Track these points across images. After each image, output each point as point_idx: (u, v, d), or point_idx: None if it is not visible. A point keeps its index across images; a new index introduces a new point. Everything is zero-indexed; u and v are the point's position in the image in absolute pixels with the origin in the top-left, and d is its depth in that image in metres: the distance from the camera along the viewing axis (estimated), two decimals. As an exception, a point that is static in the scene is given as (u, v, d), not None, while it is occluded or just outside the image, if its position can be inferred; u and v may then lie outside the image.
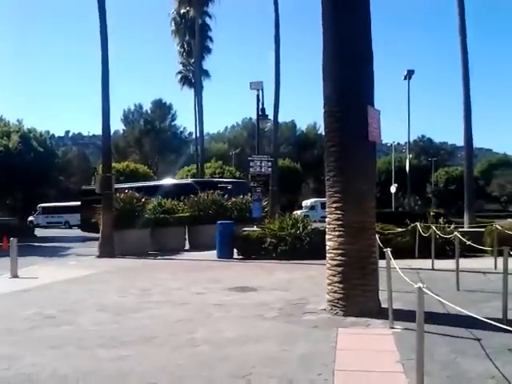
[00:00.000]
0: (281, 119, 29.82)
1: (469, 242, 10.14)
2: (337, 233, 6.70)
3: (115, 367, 4.74)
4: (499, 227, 12.34)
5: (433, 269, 10.91)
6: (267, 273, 11.05)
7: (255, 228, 15.10)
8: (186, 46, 42.11)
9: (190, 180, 30.80)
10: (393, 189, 42.42)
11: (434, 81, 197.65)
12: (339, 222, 6.67)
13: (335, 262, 6.71)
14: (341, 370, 4.51)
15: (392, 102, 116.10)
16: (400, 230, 13.85)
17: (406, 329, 5.84)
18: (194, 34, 37.64)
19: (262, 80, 18.12)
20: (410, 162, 34.33)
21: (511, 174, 56.90)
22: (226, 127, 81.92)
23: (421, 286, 3.74)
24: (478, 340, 5.31)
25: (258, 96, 17.29)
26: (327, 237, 6.93)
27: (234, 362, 4.82)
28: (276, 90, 20.85)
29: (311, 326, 6.15)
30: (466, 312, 4.06)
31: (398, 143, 68.38)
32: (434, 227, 11.43)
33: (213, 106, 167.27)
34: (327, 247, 6.91)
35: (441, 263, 10.91)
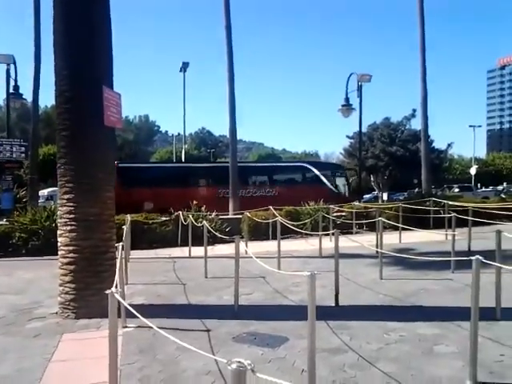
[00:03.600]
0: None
1: (212, 231, 10.44)
2: (69, 227, 5.94)
3: None
4: (249, 215, 13.18)
5: (190, 257, 11.01)
6: (5, 273, 9.54)
7: (3, 221, 13.17)
8: None
9: None
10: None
11: (215, 75, 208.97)
12: (71, 216, 5.93)
13: (67, 260, 5.95)
14: (44, 389, 3.84)
15: (177, 93, 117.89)
16: (164, 219, 13.74)
17: (139, 327, 5.45)
18: None
19: (13, 53, 15.83)
20: (189, 153, 35.06)
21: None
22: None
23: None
24: (208, 331, 5.24)
25: (7, 71, 15.01)
26: (59, 232, 6.12)
27: None
28: (36, 65, 18.51)
29: (32, 336, 5.29)
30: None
31: (179, 133, 69.64)
32: (191, 216, 11.51)
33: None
34: (59, 244, 6.10)
35: (199, 250, 11.07)
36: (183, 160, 33.93)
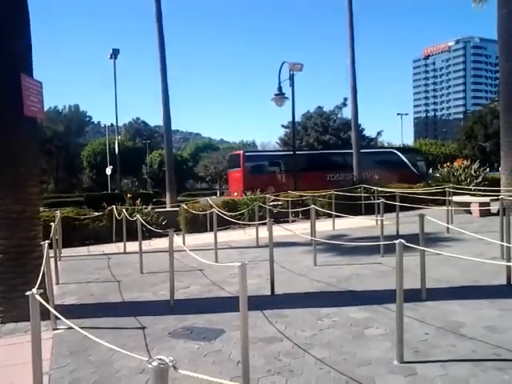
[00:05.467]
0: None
1: (147, 225, 10.25)
2: (-11, 226, 5.60)
3: None
4: (185, 207, 13.05)
5: (125, 252, 10.74)
6: None
7: None
8: None
9: None
10: (108, 171, 41.67)
11: (149, 64, 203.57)
12: (-9, 214, 5.58)
13: (-11, 262, 5.61)
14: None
15: (109, 82, 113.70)
16: (97, 214, 13.29)
17: (70, 328, 5.23)
18: None
19: None
20: (124, 144, 34.06)
21: (214, 156, 63.21)
22: None
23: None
24: (143, 328, 5.14)
25: None
26: (-22, 232, 5.74)
27: None
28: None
29: (-49, 346, 4.96)
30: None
31: (112, 124, 67.48)
32: (124, 210, 11.21)
33: None
34: (-22, 244, 5.73)
35: (135, 246, 10.81)
36: (117, 151, 32.91)
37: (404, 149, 34.51)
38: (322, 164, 25.93)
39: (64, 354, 4.51)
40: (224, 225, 13.47)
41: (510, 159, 13.11)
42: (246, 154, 24.31)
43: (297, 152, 20.63)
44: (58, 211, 11.20)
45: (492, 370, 3.61)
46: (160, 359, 1.81)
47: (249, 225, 13.86)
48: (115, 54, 29.77)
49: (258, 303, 5.78)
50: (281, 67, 17.71)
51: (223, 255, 9.31)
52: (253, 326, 4.90)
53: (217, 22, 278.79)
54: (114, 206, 12.61)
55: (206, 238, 12.08)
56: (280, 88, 17.10)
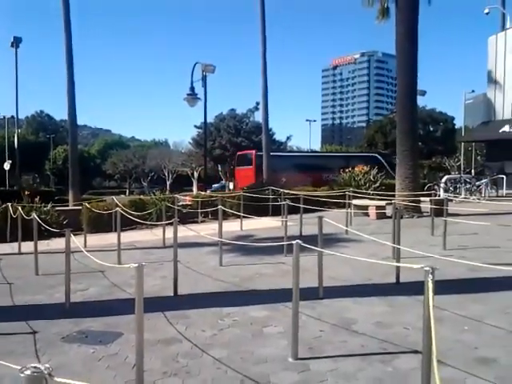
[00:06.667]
0: None
1: (44, 225, 9.72)
2: None
3: None
4: (88, 206, 12.53)
5: (20, 253, 10.06)
6: None
7: None
8: None
9: None
10: (6, 165, 38.74)
11: (55, 55, 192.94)
12: None
13: None
14: None
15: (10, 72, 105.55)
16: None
17: (-51, 336, 4.81)
18: None
19: None
20: (25, 138, 31.83)
21: (124, 154, 61.35)
22: None
23: None
24: (34, 333, 4.84)
25: None
26: None
27: None
28: None
29: None
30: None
31: (12, 116, 62.85)
32: (20, 208, 10.50)
33: None
34: None
35: (31, 246, 10.16)
36: (16, 144, 30.72)
37: (382, 153, 38.04)
38: (320, 164, 29.77)
39: None
40: (131, 225, 13.09)
41: (403, 166, 14.15)
42: (258, 153, 27.65)
43: (297, 153, 22.77)
44: None
45: (377, 363, 3.85)
46: (35, 367, 1.69)
47: (156, 225, 13.60)
48: (17, 42, 27.80)
49: (160, 304, 5.69)
50: (193, 68, 17.66)
51: (127, 256, 9.04)
52: (152, 327, 4.81)
53: (132, 22, 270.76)
54: (9, 204, 11.74)
55: (110, 238, 11.64)
56: (192, 88, 17.02)
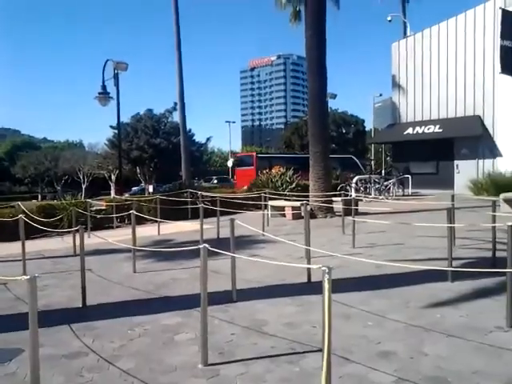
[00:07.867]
0: None
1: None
2: None
3: None
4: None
5: None
6: None
7: None
8: None
9: None
10: None
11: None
12: None
13: None
14: None
15: None
16: None
17: None
18: None
19: None
20: None
21: (34, 156, 57.85)
22: None
23: None
24: None
25: None
26: None
27: None
28: None
29: None
30: None
31: None
32: None
33: None
34: None
35: None
36: None
37: (357, 156, 39.14)
38: (302, 165, 30.66)
39: None
40: (40, 232, 12.36)
41: (316, 168, 14.63)
42: (258, 155, 31.20)
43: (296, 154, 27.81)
44: None
45: (285, 363, 3.94)
46: None
47: (69, 232, 12.95)
48: None
49: (67, 316, 5.44)
50: (105, 65, 17.02)
51: (35, 266, 8.57)
52: (57, 341, 4.59)
53: (42, 14, 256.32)
54: None
55: (16, 247, 10.90)
56: (104, 87, 16.42)
